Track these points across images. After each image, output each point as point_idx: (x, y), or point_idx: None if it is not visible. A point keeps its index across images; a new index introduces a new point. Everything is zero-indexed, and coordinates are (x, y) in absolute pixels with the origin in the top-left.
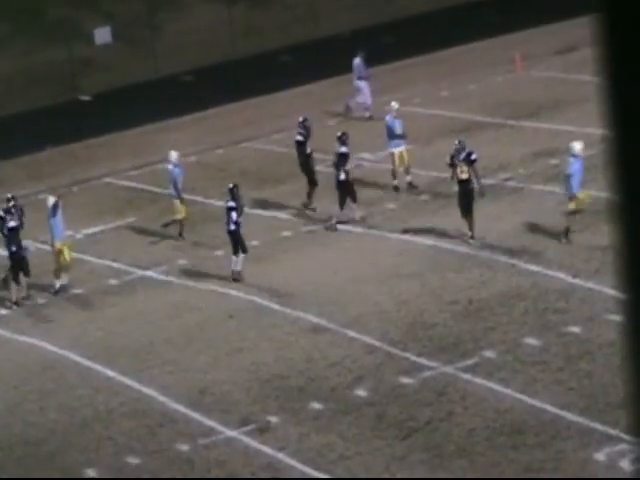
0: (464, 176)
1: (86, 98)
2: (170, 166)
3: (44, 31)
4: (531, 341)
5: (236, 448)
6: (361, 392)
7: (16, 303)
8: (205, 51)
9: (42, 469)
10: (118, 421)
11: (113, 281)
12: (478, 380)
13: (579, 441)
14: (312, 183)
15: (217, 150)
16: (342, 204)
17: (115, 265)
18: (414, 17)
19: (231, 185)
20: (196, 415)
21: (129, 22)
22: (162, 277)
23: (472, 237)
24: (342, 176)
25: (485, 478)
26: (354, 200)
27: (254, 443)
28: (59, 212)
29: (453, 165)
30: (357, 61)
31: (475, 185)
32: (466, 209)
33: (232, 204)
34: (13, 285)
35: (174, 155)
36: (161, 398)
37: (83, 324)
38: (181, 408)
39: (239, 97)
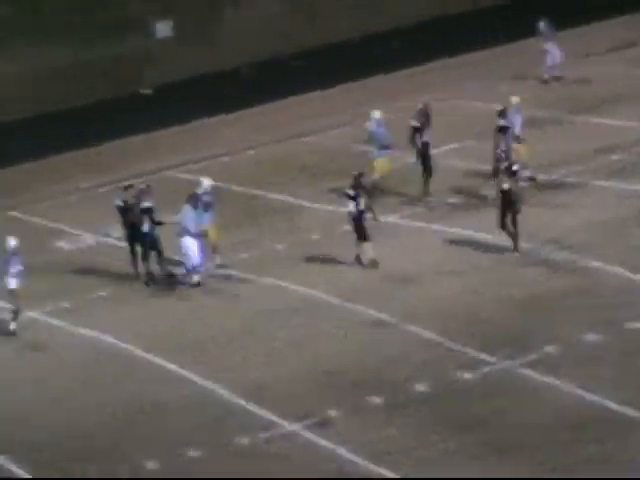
0: (505, 186)
1: (147, 91)
2: (373, 126)
3: (105, 24)
4: (591, 337)
5: (296, 442)
6: (420, 387)
7: (146, 283)
8: (266, 44)
9: (101, 461)
10: (178, 414)
11: (173, 272)
12: (537, 376)
13: (639, 437)
14: (428, 171)
15: (276, 144)
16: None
17: (176, 258)
18: (481, 10)
19: (356, 173)
20: (256, 409)
21: (190, 15)
22: (223, 270)
23: (515, 249)
24: (502, 148)
25: (482, 478)
26: None
27: (314, 437)
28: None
29: (495, 175)
30: (542, 24)
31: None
32: (512, 220)
33: (351, 192)
34: (146, 264)
35: (377, 114)
36: (221, 391)
37: (144, 317)
38: (241, 402)
39: (299, 91)
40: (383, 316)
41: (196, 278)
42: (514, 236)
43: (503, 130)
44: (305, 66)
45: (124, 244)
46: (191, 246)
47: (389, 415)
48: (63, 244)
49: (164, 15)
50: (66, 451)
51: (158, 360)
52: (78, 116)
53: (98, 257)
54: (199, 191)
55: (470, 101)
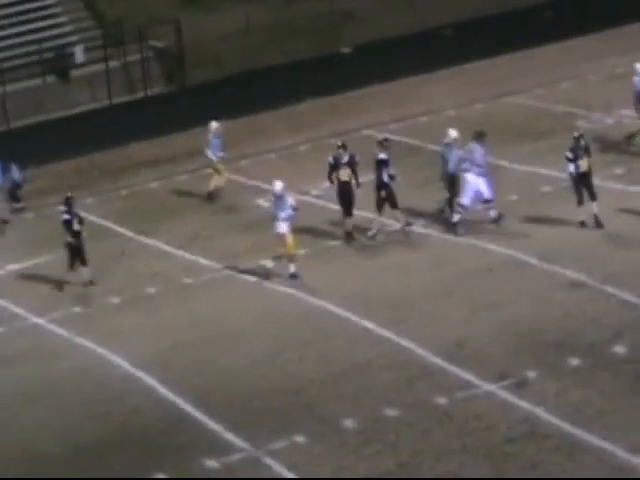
0: None
1: (347, 50)
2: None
3: None
4: None
5: (493, 402)
6: (620, 348)
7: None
8: (466, 4)
9: (300, 418)
10: (376, 372)
11: (371, 232)
12: None
13: None
14: None
15: (476, 104)
16: None
17: (372, 216)
18: None
19: (576, 134)
20: (453, 368)
21: None
22: (421, 230)
23: None
24: None
25: (483, 478)
26: None
27: (511, 397)
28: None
29: None
30: None
31: None
32: None
33: (570, 155)
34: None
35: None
36: (419, 350)
37: (342, 275)
38: (438, 361)
39: (499, 51)
40: (582, 277)
41: (492, 213)
42: None
43: None
44: (506, 27)
45: (323, 202)
46: (473, 183)
47: (587, 377)
48: (261, 202)
49: None
50: (274, 407)
51: (355, 318)
52: (279, 74)
53: (297, 215)
54: (445, 141)
55: None
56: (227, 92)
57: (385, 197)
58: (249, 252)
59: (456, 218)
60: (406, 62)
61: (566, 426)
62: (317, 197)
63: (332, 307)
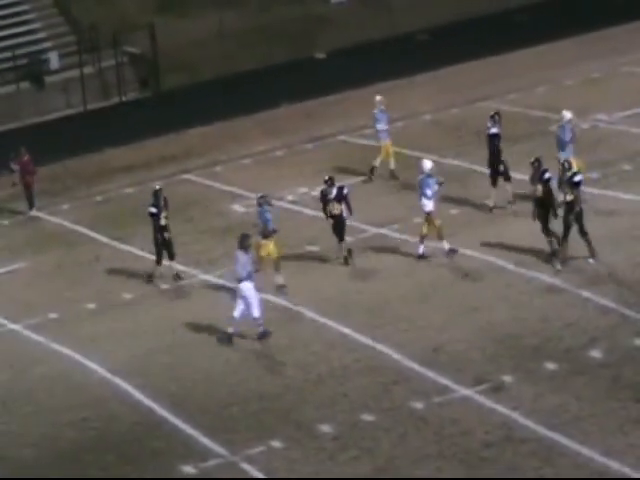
0: (568, 197)
1: (321, 56)
2: None
3: None
4: None
5: (470, 407)
6: (596, 353)
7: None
8: (440, 9)
9: (276, 424)
10: (353, 378)
11: (348, 239)
12: None
13: None
14: None
15: (452, 109)
16: None
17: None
18: None
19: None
20: (430, 373)
21: None
22: (396, 235)
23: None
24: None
25: (482, 478)
26: None
27: (488, 402)
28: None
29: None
30: None
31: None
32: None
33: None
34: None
35: None
36: (395, 356)
37: (318, 281)
38: (415, 366)
39: (474, 56)
40: (557, 282)
41: None
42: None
43: None
44: (480, 31)
45: (298, 207)
46: None
47: (564, 381)
48: (237, 207)
49: None
50: (251, 412)
51: (332, 324)
52: (253, 79)
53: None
54: (559, 123)
55: None
56: (202, 97)
57: (501, 171)
58: (225, 258)
59: None
60: (381, 67)
61: (543, 430)
62: (293, 202)
63: (309, 313)
